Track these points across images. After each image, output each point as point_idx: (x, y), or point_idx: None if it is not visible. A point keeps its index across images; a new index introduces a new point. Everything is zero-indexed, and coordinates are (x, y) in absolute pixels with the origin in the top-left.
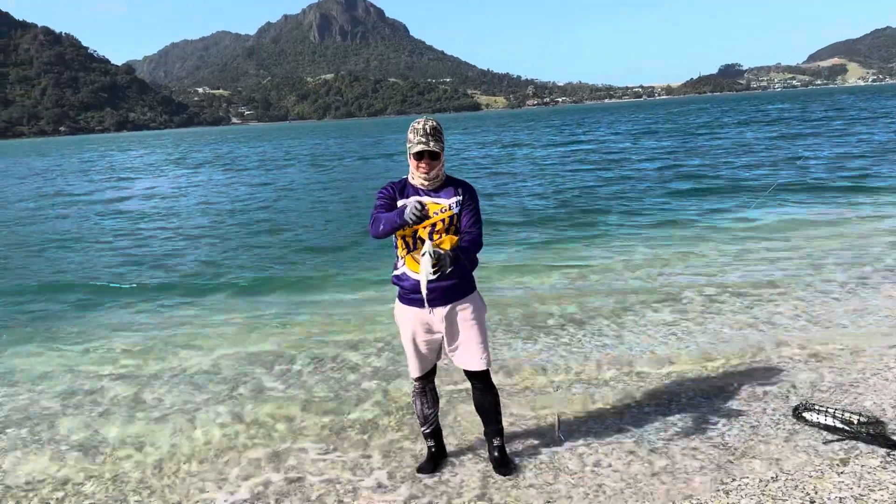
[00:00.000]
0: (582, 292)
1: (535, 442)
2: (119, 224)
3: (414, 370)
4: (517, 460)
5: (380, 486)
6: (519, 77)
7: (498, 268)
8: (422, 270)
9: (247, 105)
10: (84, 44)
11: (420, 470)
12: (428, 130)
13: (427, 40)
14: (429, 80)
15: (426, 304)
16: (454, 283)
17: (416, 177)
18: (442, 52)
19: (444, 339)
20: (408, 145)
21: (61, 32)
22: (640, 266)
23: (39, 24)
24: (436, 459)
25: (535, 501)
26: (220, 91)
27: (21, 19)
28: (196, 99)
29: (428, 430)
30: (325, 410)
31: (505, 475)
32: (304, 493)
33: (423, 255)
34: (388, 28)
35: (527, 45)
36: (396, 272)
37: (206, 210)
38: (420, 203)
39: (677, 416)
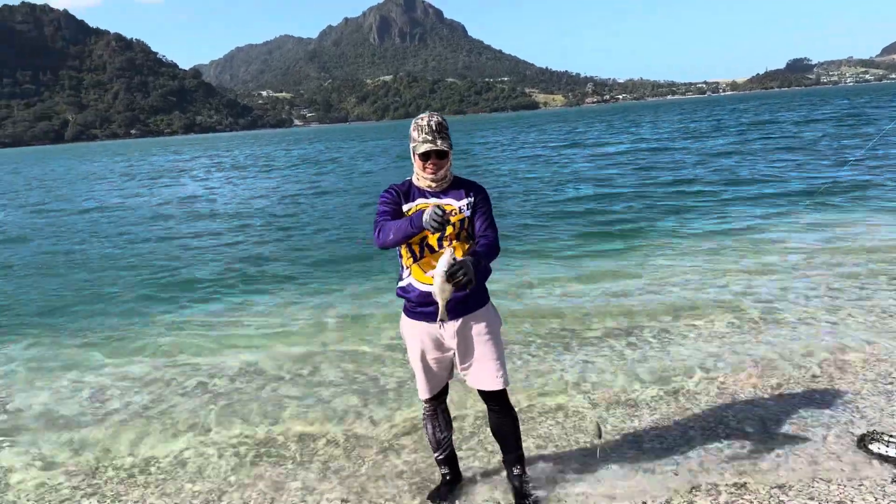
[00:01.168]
0: (626, 302)
1: (562, 468)
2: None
3: (423, 391)
4: (541, 492)
5: None
6: (578, 74)
7: (536, 276)
8: (436, 281)
9: (308, 107)
10: (153, 49)
11: (431, 499)
12: (434, 127)
13: (485, 40)
14: (486, 79)
15: (438, 320)
16: (465, 294)
17: (422, 178)
18: (500, 52)
19: (457, 356)
20: (412, 144)
21: (132, 38)
22: (688, 275)
23: (112, 31)
24: (450, 487)
25: None
26: (283, 94)
27: (95, 27)
28: (260, 102)
29: (441, 457)
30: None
31: None
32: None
33: (441, 267)
34: (446, 29)
35: (586, 42)
36: (402, 283)
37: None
38: (440, 207)
39: (724, 442)
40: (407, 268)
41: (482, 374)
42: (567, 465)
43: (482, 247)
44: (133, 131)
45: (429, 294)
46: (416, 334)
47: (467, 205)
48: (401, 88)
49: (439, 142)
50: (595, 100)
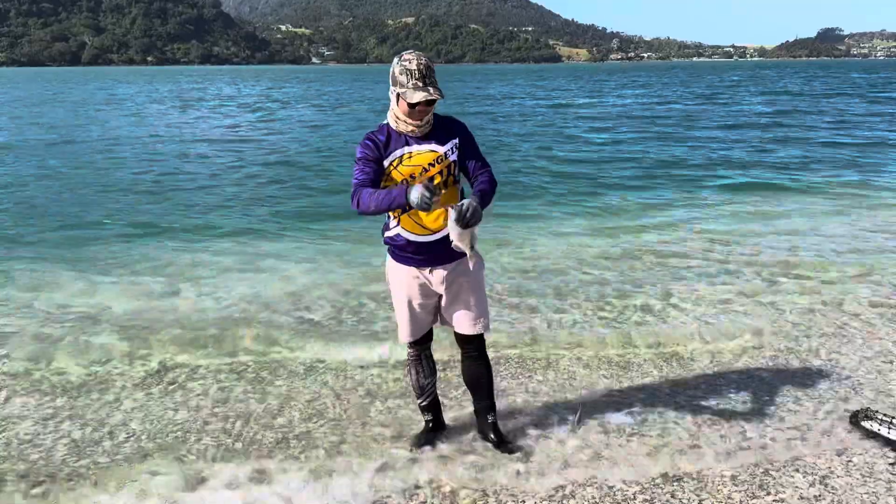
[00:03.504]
0: (630, 258)
1: (546, 425)
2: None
3: (406, 334)
4: (524, 442)
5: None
6: (604, 29)
7: (541, 227)
8: (454, 236)
9: (327, 45)
10: None
11: (414, 444)
12: (424, 72)
13: None
14: (510, 28)
15: (472, 262)
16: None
17: (405, 124)
18: (526, 0)
19: (444, 300)
20: (398, 89)
21: None
22: (706, 234)
23: None
24: (433, 434)
25: (540, 486)
26: (302, 30)
27: None
28: (279, 37)
29: (425, 403)
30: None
31: (511, 453)
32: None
33: (452, 228)
34: None
35: None
36: (389, 233)
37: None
38: (428, 188)
39: (714, 411)
40: (395, 218)
41: (465, 318)
42: (550, 422)
43: (484, 184)
44: (149, 58)
45: (418, 244)
46: (403, 279)
47: (452, 148)
48: (422, 32)
49: (432, 90)
50: (619, 56)
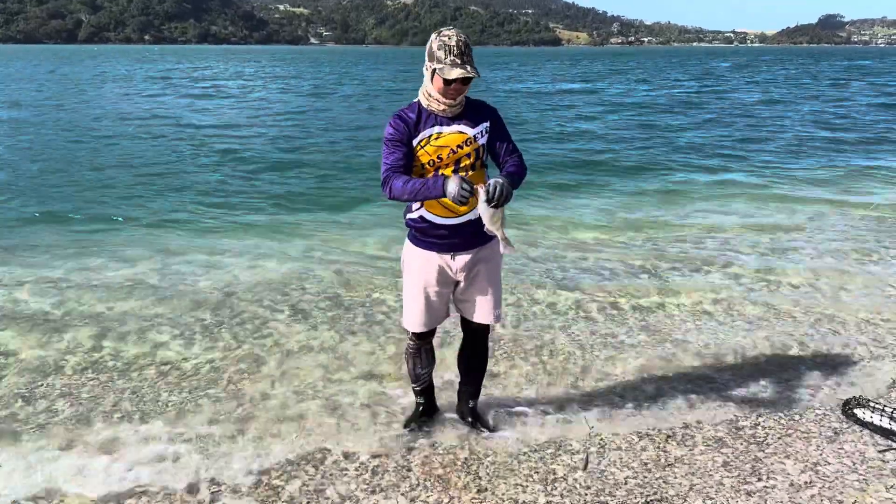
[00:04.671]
0: (627, 249)
1: (540, 406)
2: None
3: (418, 324)
4: (508, 431)
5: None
6: (605, 13)
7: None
8: (486, 217)
9: (326, 26)
10: None
11: (406, 425)
12: (463, 49)
13: None
14: (510, 10)
15: (504, 248)
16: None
17: (438, 102)
18: None
19: (461, 287)
20: (435, 65)
21: None
22: (691, 231)
23: None
24: (426, 415)
25: (525, 470)
26: (301, 9)
27: None
28: (277, 16)
29: (419, 388)
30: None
31: (492, 430)
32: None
33: (483, 208)
34: None
35: None
36: (411, 215)
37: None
38: (466, 182)
39: (705, 398)
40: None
41: (482, 306)
42: (543, 405)
43: (513, 167)
44: (146, 37)
45: (443, 227)
46: (423, 265)
47: (482, 132)
48: (421, 13)
49: (469, 67)
50: (620, 41)
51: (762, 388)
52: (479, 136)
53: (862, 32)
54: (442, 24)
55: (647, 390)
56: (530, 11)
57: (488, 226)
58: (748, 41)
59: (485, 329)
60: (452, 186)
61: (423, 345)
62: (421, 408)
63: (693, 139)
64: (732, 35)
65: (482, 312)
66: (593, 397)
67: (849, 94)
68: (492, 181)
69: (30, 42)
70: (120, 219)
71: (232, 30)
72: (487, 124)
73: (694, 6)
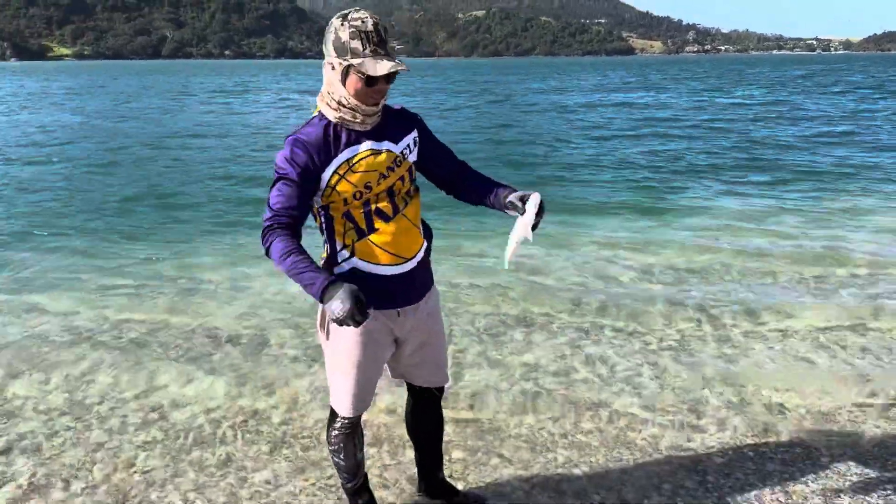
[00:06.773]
0: (644, 275)
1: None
2: None
3: (352, 407)
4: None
5: None
6: (680, 21)
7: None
8: (525, 231)
9: (398, 39)
10: None
11: None
12: (383, 35)
13: None
14: (582, 20)
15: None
16: (426, 266)
17: (354, 111)
18: None
19: (406, 347)
20: (344, 59)
21: None
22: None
23: None
24: None
25: None
26: None
27: None
28: None
29: (359, 484)
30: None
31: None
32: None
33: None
34: None
35: None
36: (339, 269)
37: None
38: (361, 304)
39: (806, 481)
40: (348, 246)
41: (435, 367)
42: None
43: (478, 176)
44: (227, 52)
45: (383, 277)
46: (357, 330)
47: (410, 145)
48: (492, 24)
49: (396, 59)
50: (695, 49)
51: (878, 476)
52: (408, 151)
53: None
54: (512, 35)
55: (731, 474)
56: (603, 21)
57: (525, 236)
58: (832, 48)
59: (441, 391)
60: (338, 305)
61: (356, 420)
62: None
63: None
64: (815, 42)
65: (438, 374)
66: (611, 484)
67: None
68: (529, 192)
69: (117, 58)
70: None
71: (307, 45)
72: (415, 134)
73: (774, 13)
